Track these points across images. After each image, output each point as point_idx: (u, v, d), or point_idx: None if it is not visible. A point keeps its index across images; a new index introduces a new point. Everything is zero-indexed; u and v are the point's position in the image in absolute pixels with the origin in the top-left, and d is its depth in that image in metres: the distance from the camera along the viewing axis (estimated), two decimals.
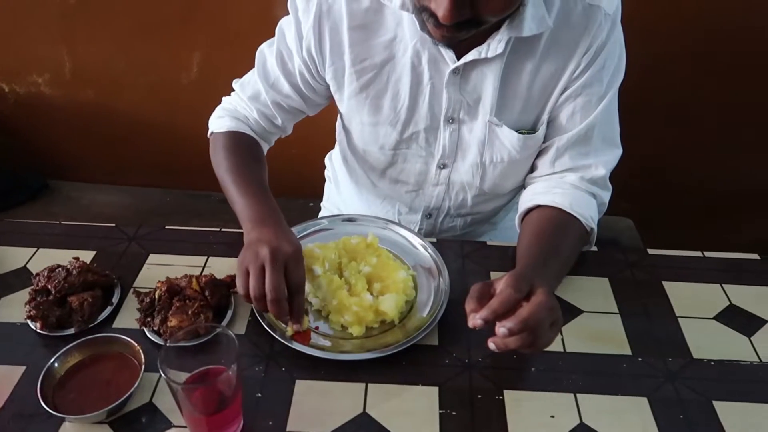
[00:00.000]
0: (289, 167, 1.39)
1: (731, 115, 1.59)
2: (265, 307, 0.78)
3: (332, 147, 1.31)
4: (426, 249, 0.96)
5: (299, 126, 1.30)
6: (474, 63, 0.90)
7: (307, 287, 0.86)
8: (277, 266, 0.77)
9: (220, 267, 0.94)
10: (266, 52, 1.02)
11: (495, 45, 0.87)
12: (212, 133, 1.06)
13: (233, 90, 1.07)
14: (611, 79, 0.94)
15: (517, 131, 0.96)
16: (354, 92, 0.98)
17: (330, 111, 1.20)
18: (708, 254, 1.04)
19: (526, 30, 0.85)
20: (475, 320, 0.69)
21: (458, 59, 0.90)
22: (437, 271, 0.92)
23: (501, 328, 0.68)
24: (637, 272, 0.99)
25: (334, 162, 1.30)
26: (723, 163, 1.68)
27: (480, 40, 0.87)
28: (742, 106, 1.57)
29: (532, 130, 0.98)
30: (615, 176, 1.02)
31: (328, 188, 1.35)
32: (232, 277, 0.88)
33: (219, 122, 1.04)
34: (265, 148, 1.09)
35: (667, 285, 0.97)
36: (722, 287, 0.97)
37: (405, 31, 0.91)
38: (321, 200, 1.38)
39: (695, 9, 1.41)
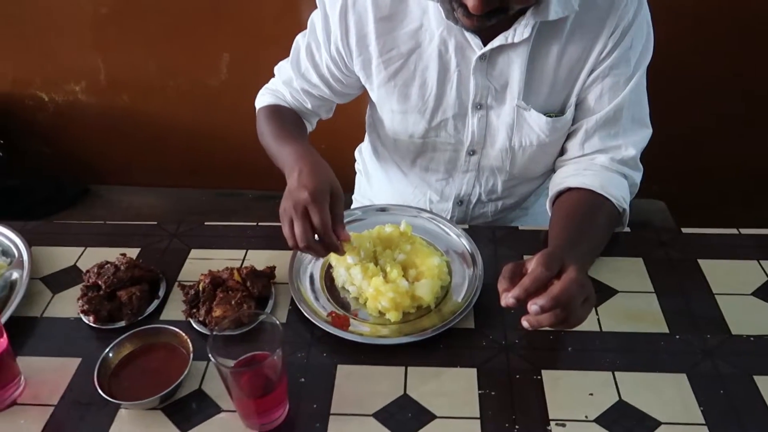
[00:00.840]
0: None
1: (761, 88, 1.56)
2: (316, 249, 0.83)
3: (361, 140, 1.33)
4: (458, 236, 0.98)
5: (327, 122, 1.33)
6: (500, 48, 0.91)
7: (344, 275, 0.89)
8: (300, 216, 0.81)
9: (259, 259, 0.97)
10: (300, 42, 1.06)
11: (521, 30, 0.88)
12: (257, 111, 1.12)
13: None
14: (639, 59, 0.94)
15: (545, 114, 0.97)
16: (383, 81, 1.00)
17: (357, 104, 1.22)
18: (743, 231, 1.03)
19: (552, 14, 0.86)
20: (507, 299, 0.70)
21: (484, 45, 0.91)
22: (470, 257, 0.94)
23: (533, 306, 0.69)
24: (671, 251, 0.99)
25: (364, 154, 1.32)
26: (753, 138, 1.65)
27: (506, 25, 0.88)
28: None
29: (560, 112, 0.98)
30: (644, 158, 1.02)
31: (359, 180, 1.38)
32: (272, 268, 0.91)
33: (261, 99, 1.12)
34: (308, 127, 1.13)
35: (703, 263, 0.96)
36: (759, 263, 0.96)
37: (431, 20, 0.93)
38: (352, 193, 1.41)
39: None
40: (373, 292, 0.85)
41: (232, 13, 1.49)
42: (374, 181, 1.30)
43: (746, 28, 1.45)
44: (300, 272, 0.93)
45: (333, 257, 0.90)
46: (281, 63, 1.11)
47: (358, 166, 1.37)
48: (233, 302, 0.84)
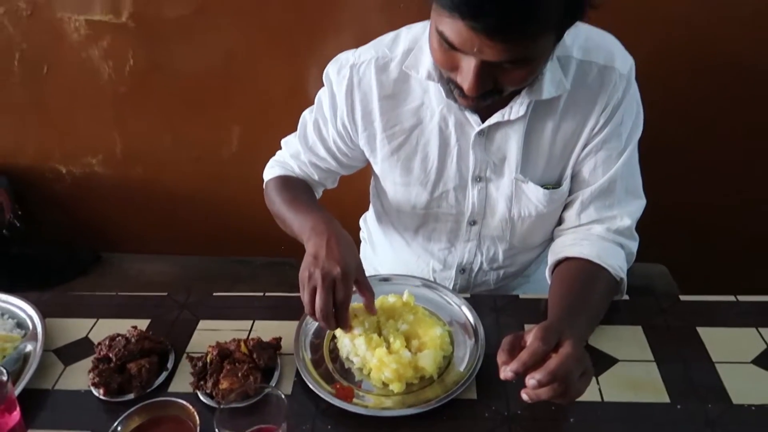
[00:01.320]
0: None
1: (754, 156, 1.60)
2: (330, 322, 0.86)
3: (365, 209, 1.37)
4: (460, 305, 1.00)
5: (332, 191, 1.38)
6: (498, 125, 0.96)
7: (348, 345, 0.91)
8: (326, 288, 0.84)
9: (266, 329, 0.99)
10: (307, 117, 1.12)
11: (517, 108, 0.93)
12: (265, 183, 1.16)
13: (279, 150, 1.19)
14: (630, 134, 0.99)
15: (542, 187, 1.01)
16: (386, 155, 1.05)
17: (362, 175, 1.27)
18: (741, 298, 1.04)
19: (546, 93, 0.92)
20: (506, 372, 0.72)
21: (483, 122, 0.96)
22: (472, 327, 0.96)
23: (530, 380, 0.70)
24: (670, 319, 1.00)
25: (369, 223, 1.36)
26: (750, 204, 1.68)
27: (503, 103, 0.94)
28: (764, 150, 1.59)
29: (557, 185, 1.02)
30: (646, 223, 1.05)
31: (364, 249, 1.41)
32: (278, 339, 0.93)
33: (270, 171, 1.17)
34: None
35: (702, 331, 0.97)
36: (758, 330, 0.97)
37: (432, 98, 0.98)
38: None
39: (707, 59, 1.45)
40: (376, 362, 0.86)
41: (243, 89, 1.58)
42: (379, 250, 1.33)
43: (733, 96, 1.51)
44: (305, 343, 0.95)
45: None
46: (288, 137, 1.17)
47: (362, 234, 1.41)
48: (240, 374, 0.86)
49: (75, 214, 1.86)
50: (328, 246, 0.88)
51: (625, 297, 1.03)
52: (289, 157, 1.15)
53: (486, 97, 0.84)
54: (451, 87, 0.87)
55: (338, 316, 0.86)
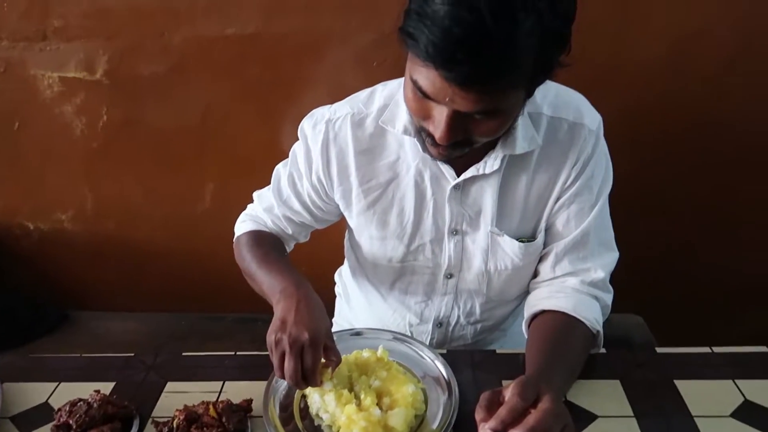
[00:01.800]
0: None
1: (728, 207, 1.64)
2: (300, 385, 0.85)
3: (340, 263, 1.36)
4: (434, 360, 0.98)
5: (307, 245, 1.37)
6: (473, 179, 0.98)
7: (318, 402, 0.88)
8: (294, 355, 0.82)
9: (237, 390, 0.96)
10: (281, 171, 1.12)
11: (492, 162, 0.95)
12: (236, 237, 1.14)
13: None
14: (600, 188, 1.01)
15: (517, 240, 1.02)
16: (362, 210, 1.05)
17: (337, 228, 1.26)
18: (717, 349, 1.04)
19: (519, 148, 0.94)
20: (484, 430, 0.70)
21: (458, 176, 0.98)
22: (446, 382, 0.93)
23: None
24: (648, 372, 0.99)
25: (344, 278, 1.35)
26: (724, 253, 1.71)
27: (477, 157, 0.96)
28: (738, 203, 1.63)
29: (532, 237, 1.03)
30: (620, 274, 1.06)
31: (339, 304, 1.39)
32: (248, 401, 0.90)
33: (241, 226, 1.15)
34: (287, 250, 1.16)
35: (680, 384, 0.96)
36: (734, 383, 0.97)
37: (407, 153, 1.00)
38: (332, 317, 1.41)
39: (673, 116, 1.51)
40: (345, 420, 0.83)
41: (217, 145, 1.58)
42: (354, 304, 1.31)
43: (701, 149, 1.56)
44: (274, 400, 0.91)
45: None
46: (261, 191, 1.16)
47: (337, 289, 1.39)
48: None
49: (42, 271, 1.81)
50: (297, 310, 0.87)
51: (602, 350, 1.03)
52: (262, 211, 1.14)
53: (457, 147, 0.85)
54: (423, 136, 0.88)
55: (307, 379, 0.84)
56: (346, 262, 1.31)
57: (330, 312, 1.43)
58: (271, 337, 0.85)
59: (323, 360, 0.88)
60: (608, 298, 1.03)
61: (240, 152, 1.57)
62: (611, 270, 1.04)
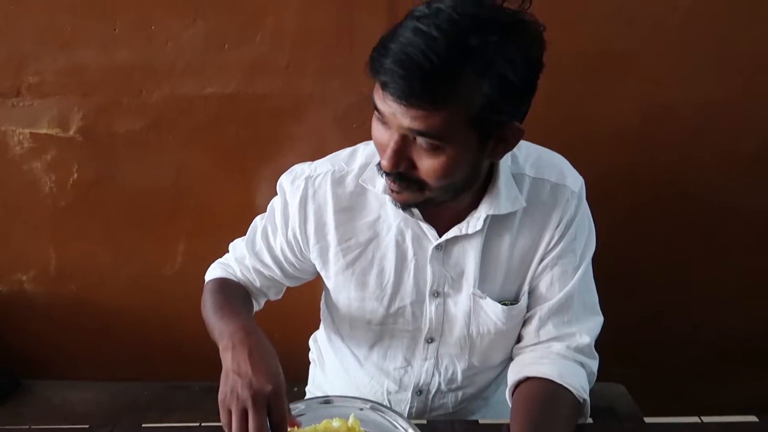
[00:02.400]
0: None
1: (707, 270, 1.65)
2: None
3: (315, 328, 1.31)
4: (407, 430, 0.92)
5: (281, 308, 1.32)
6: (455, 239, 0.97)
7: None
8: (260, 409, 0.76)
9: None
10: (258, 223, 1.10)
11: (474, 222, 0.94)
12: (205, 284, 1.10)
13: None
14: (584, 251, 1.01)
15: (500, 303, 0.99)
16: (341, 269, 1.02)
17: (312, 291, 1.22)
18: (706, 419, 1.01)
19: (503, 209, 0.93)
20: None
21: (440, 236, 0.96)
22: None
23: None
24: None
25: (319, 343, 1.29)
26: (707, 318, 1.70)
27: (460, 217, 0.95)
28: (712, 266, 1.64)
29: (515, 300, 1.01)
30: (603, 341, 1.03)
31: (313, 371, 1.33)
32: None
33: (211, 272, 1.13)
34: (255, 306, 1.12)
35: None
36: None
37: (388, 212, 0.98)
38: (306, 384, 1.35)
39: (648, 180, 1.53)
40: None
41: (191, 205, 1.54)
42: (329, 371, 1.25)
43: (676, 217, 1.58)
44: None
45: None
46: (236, 241, 1.14)
47: (312, 355, 1.33)
48: None
49: None
50: (252, 359, 0.81)
51: (589, 420, 0.99)
52: (233, 260, 1.11)
53: (405, 183, 0.85)
54: (381, 174, 0.89)
55: None
56: (321, 325, 1.26)
57: (303, 379, 1.37)
58: (225, 393, 0.79)
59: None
60: (594, 364, 1.00)
61: (214, 212, 1.54)
62: (596, 335, 1.02)
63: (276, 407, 0.78)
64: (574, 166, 1.04)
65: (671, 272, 1.65)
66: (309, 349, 1.34)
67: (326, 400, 0.99)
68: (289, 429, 0.81)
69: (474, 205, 0.94)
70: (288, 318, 1.49)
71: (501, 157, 0.89)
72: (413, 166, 0.83)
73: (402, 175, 0.84)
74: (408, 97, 0.75)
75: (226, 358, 0.84)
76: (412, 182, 0.85)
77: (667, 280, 1.66)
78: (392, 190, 0.88)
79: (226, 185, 1.52)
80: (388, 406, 0.99)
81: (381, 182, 0.94)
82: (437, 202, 0.90)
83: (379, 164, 0.88)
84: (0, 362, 1.68)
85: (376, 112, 0.83)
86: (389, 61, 0.75)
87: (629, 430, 0.99)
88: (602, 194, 1.49)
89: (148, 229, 1.56)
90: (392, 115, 0.79)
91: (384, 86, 0.77)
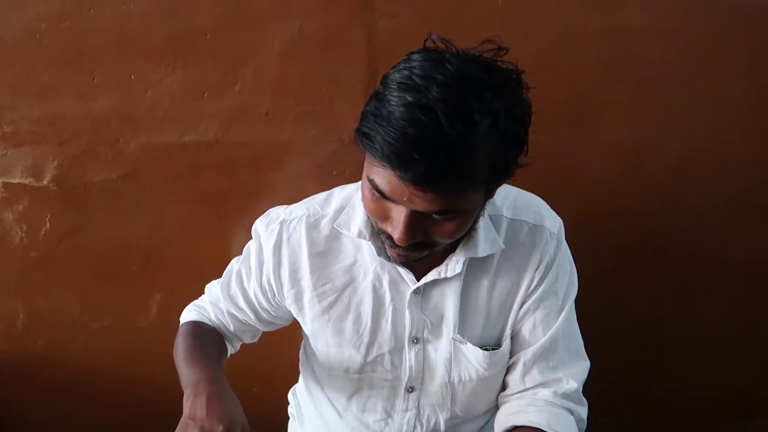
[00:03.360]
0: (250, 406, 1.31)
1: (693, 327, 1.62)
2: None
3: (295, 382, 1.26)
4: None
5: (260, 364, 1.27)
6: (434, 283, 0.95)
7: None
8: None
9: None
10: (233, 266, 1.09)
11: (453, 265, 0.92)
12: (179, 326, 1.09)
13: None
14: (566, 293, 0.99)
15: (482, 348, 0.96)
16: (317, 315, 1.00)
17: (291, 347, 1.18)
18: None
19: (481, 251, 0.92)
20: None
21: (418, 280, 0.94)
22: None
23: None
24: None
25: (298, 396, 1.25)
26: (696, 367, 1.66)
27: (438, 261, 0.93)
28: (703, 316, 1.62)
29: (497, 345, 0.98)
30: (590, 390, 1.00)
31: (292, 426, 1.27)
32: None
33: (185, 315, 1.13)
34: (229, 349, 1.10)
35: None
36: None
37: (365, 256, 0.97)
38: None
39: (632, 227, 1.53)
40: None
41: (166, 254, 1.50)
42: (308, 425, 1.20)
43: (660, 262, 1.57)
44: None
45: None
46: (212, 283, 1.13)
47: (290, 409, 1.29)
48: None
49: None
50: (209, 403, 0.80)
51: None
52: (208, 303, 1.10)
53: (417, 248, 0.83)
54: (382, 239, 0.86)
55: None
56: (300, 377, 1.22)
57: None
58: None
59: None
60: (583, 411, 0.97)
61: (191, 262, 1.50)
62: (583, 380, 0.99)
63: None
64: (555, 209, 1.03)
65: (651, 326, 1.62)
66: (288, 404, 1.29)
67: None
68: None
69: (452, 248, 0.92)
70: (267, 373, 1.45)
71: (494, 194, 0.88)
72: (425, 231, 0.81)
73: (413, 244, 0.81)
74: (429, 183, 0.72)
75: (186, 406, 0.83)
76: (423, 245, 0.83)
77: (648, 334, 1.63)
78: (396, 255, 0.86)
79: (204, 234, 1.49)
80: None
81: (355, 227, 0.93)
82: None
83: (378, 233, 0.87)
84: None
85: (370, 185, 0.79)
86: (396, 143, 0.71)
87: None
88: (585, 242, 1.49)
89: (121, 280, 1.52)
90: (403, 198, 0.75)
91: (391, 167, 0.73)
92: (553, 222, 0.99)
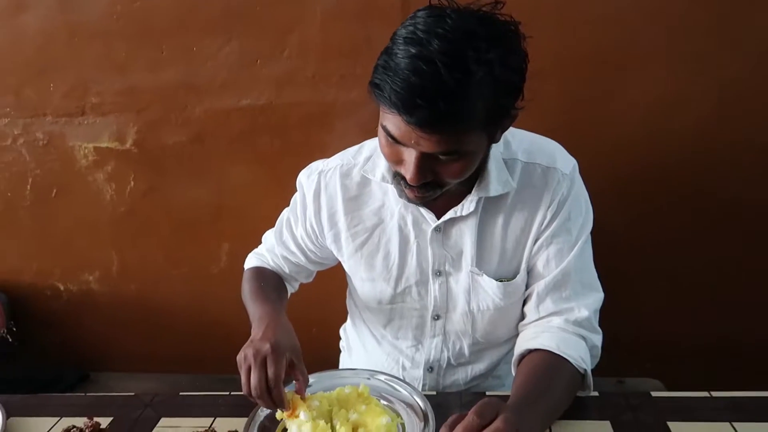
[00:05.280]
0: (310, 342, 1.45)
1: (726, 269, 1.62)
2: (265, 400, 0.90)
3: (345, 321, 1.40)
4: (411, 393, 0.99)
5: (317, 308, 1.39)
6: (452, 221, 1.03)
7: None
8: (257, 364, 0.89)
9: (226, 427, 0.99)
10: (284, 216, 1.23)
11: (468, 204, 1.01)
12: (244, 271, 1.25)
13: None
14: (580, 230, 1.04)
15: (498, 280, 1.05)
16: (351, 252, 1.12)
17: (341, 292, 1.31)
18: (716, 394, 1.02)
19: (492, 191, 1.00)
20: None
21: (438, 219, 1.03)
22: (423, 418, 0.94)
23: None
24: (640, 415, 0.97)
25: (347, 331, 1.39)
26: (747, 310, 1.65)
27: (456, 201, 1.02)
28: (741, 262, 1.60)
29: (513, 278, 1.06)
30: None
31: (342, 357, 1.42)
32: None
33: (248, 261, 1.28)
34: (289, 289, 1.25)
35: (673, 425, 0.94)
36: (732, 425, 0.94)
37: (391, 199, 1.07)
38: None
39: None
40: None
41: (232, 208, 1.68)
42: (354, 355, 1.34)
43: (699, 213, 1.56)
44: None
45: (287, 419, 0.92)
46: (267, 232, 1.27)
47: (342, 344, 1.42)
48: None
49: (67, 332, 1.89)
50: (264, 330, 0.95)
51: (595, 393, 1.02)
52: (265, 250, 1.25)
53: (428, 188, 0.92)
54: (399, 180, 0.95)
55: (273, 394, 0.88)
56: (348, 316, 1.35)
57: (334, 368, 1.45)
58: (239, 355, 0.92)
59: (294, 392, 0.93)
60: (596, 338, 1.03)
61: (253, 215, 1.65)
62: (596, 309, 1.04)
63: (271, 364, 0.89)
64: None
65: (688, 271, 1.62)
66: (340, 339, 1.43)
67: (335, 374, 1.08)
68: (293, 398, 0.92)
69: (469, 189, 1.01)
70: (322, 316, 1.59)
71: (500, 138, 0.94)
72: (434, 172, 0.90)
73: (425, 184, 0.91)
74: (431, 126, 0.80)
75: (252, 333, 0.98)
76: (434, 185, 0.92)
77: (688, 278, 1.63)
78: (412, 195, 0.95)
79: (263, 190, 1.65)
80: (393, 374, 1.06)
81: (379, 172, 1.03)
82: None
83: (395, 176, 0.96)
84: (71, 356, 1.88)
85: (383, 132, 0.87)
86: (401, 90, 0.78)
87: (634, 402, 1.00)
88: (618, 192, 1.51)
89: (195, 232, 1.72)
90: (411, 141, 0.84)
91: (398, 113, 0.81)
92: (565, 163, 1.04)
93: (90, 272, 1.80)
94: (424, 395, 0.98)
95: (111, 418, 1.03)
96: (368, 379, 1.04)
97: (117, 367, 1.85)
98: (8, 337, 1.73)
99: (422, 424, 0.92)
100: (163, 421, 1.02)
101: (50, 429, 1.02)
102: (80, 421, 1.02)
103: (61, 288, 1.84)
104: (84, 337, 1.89)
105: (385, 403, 0.99)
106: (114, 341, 1.89)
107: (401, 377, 1.17)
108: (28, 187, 1.72)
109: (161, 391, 1.72)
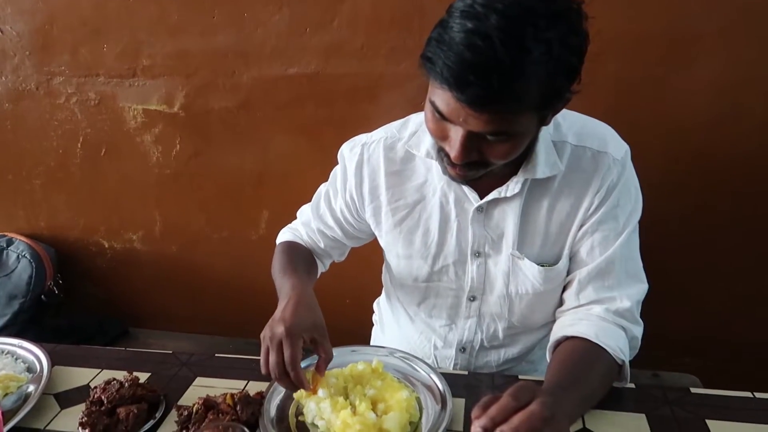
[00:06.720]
0: (343, 313, 1.47)
1: None
2: (284, 381, 0.90)
3: (379, 294, 1.40)
4: (430, 374, 0.99)
5: (351, 279, 1.39)
6: (496, 202, 1.01)
7: (313, 410, 0.91)
8: (274, 347, 0.89)
9: (258, 388, 1.00)
10: (322, 189, 1.22)
11: (513, 186, 0.98)
12: (276, 245, 1.24)
13: None
14: (628, 218, 1.01)
15: (539, 264, 1.02)
16: (390, 227, 1.11)
17: (377, 264, 1.30)
18: (759, 395, 0.98)
19: (540, 173, 0.97)
20: (475, 428, 0.70)
21: (481, 198, 1.01)
22: (440, 394, 0.94)
23: None
24: (678, 410, 0.95)
25: (381, 305, 1.39)
26: None
27: (500, 181, 0.99)
28: None
29: (555, 263, 1.03)
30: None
31: (375, 331, 1.42)
32: (262, 394, 0.94)
33: (281, 236, 1.27)
34: (320, 267, 1.24)
35: (712, 424, 0.91)
36: None
37: (434, 176, 1.05)
38: (369, 344, 1.44)
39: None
40: (341, 425, 0.85)
41: (274, 176, 1.70)
42: (386, 330, 1.34)
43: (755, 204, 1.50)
44: (271, 407, 0.94)
45: (304, 392, 0.93)
46: (303, 207, 1.26)
47: (375, 317, 1.43)
48: (221, 426, 0.86)
49: (109, 287, 1.96)
50: (285, 308, 0.94)
51: (631, 385, 0.99)
52: (300, 225, 1.24)
53: (472, 167, 0.89)
54: (442, 156, 0.93)
55: (291, 377, 0.88)
56: (383, 290, 1.35)
57: (366, 341, 1.46)
58: (261, 333, 0.93)
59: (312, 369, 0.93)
60: (636, 330, 1.00)
61: (295, 185, 1.66)
62: (639, 300, 1.01)
63: (286, 347, 0.88)
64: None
65: (745, 271, 1.56)
66: (373, 312, 1.44)
67: (353, 350, 1.07)
68: (313, 376, 0.92)
69: (515, 170, 0.98)
70: (356, 288, 1.61)
71: (551, 121, 0.91)
72: (479, 152, 0.87)
73: (468, 163, 0.88)
74: (482, 104, 0.78)
75: (277, 310, 0.97)
76: (478, 164, 0.89)
77: (738, 279, 1.58)
78: (455, 173, 0.93)
79: (306, 160, 1.65)
80: (411, 354, 1.05)
81: (424, 147, 1.01)
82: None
83: (439, 151, 0.93)
84: (112, 311, 1.94)
85: (431, 107, 0.85)
86: (454, 66, 0.76)
87: (672, 397, 0.98)
88: (674, 182, 1.46)
89: (237, 198, 1.74)
90: (459, 119, 0.81)
91: (449, 88, 0.78)
92: (617, 148, 1.00)
93: (134, 231, 1.85)
94: (450, 374, 0.97)
95: (149, 374, 1.06)
96: (384, 356, 1.04)
97: (155, 325, 1.91)
98: (54, 289, 1.80)
99: (439, 405, 0.92)
100: (199, 380, 1.05)
101: (92, 379, 1.06)
102: (120, 374, 1.05)
103: (106, 245, 1.89)
104: (125, 293, 1.95)
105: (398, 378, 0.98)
106: (153, 299, 1.94)
107: (433, 357, 1.18)
108: (79, 144, 1.77)
109: (197, 351, 1.79)
